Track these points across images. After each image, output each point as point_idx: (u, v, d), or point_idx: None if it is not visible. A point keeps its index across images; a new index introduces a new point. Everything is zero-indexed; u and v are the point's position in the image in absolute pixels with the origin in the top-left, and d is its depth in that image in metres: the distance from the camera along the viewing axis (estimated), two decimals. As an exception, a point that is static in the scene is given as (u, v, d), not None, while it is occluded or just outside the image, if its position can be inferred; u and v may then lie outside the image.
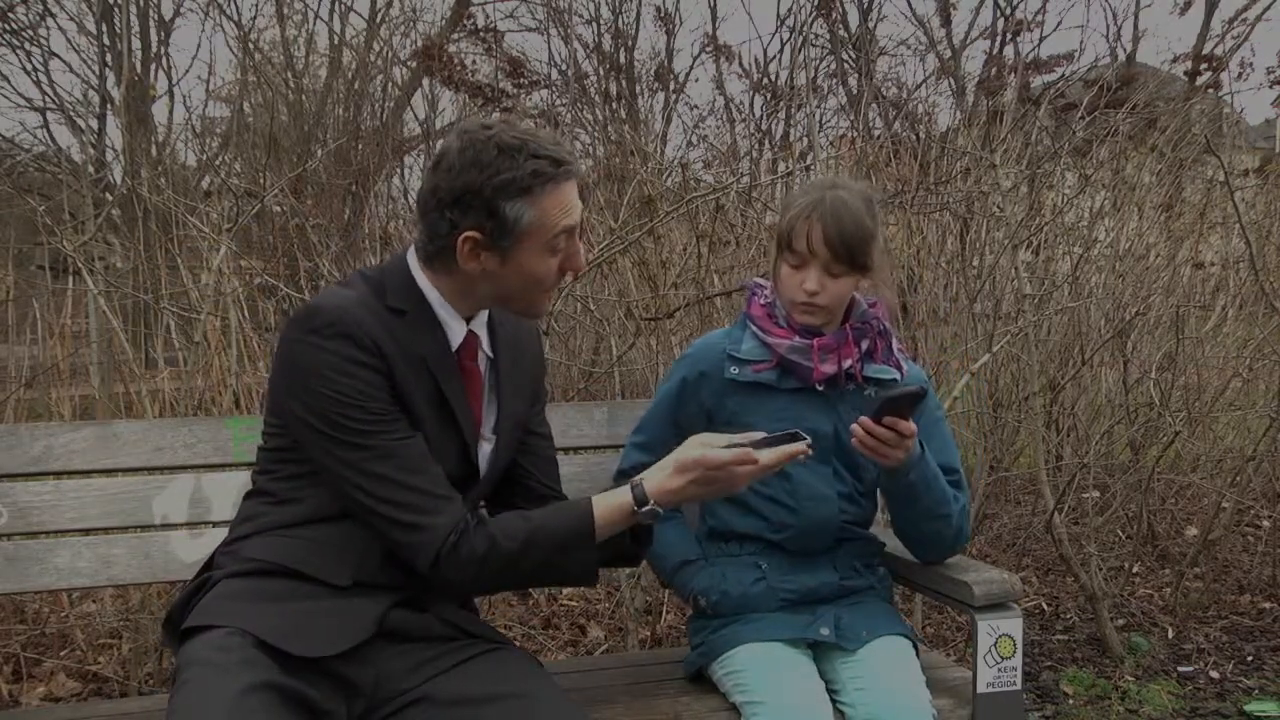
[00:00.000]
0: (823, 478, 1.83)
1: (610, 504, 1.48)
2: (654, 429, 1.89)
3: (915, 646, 1.83)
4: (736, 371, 1.83)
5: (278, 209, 4.74)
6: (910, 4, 20.35)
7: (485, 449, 1.58)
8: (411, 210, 4.60)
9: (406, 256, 1.53)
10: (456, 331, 1.52)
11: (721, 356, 1.85)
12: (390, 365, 1.44)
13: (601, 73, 10.95)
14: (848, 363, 1.80)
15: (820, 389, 1.81)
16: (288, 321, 1.48)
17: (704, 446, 1.46)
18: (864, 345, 1.82)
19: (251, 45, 8.97)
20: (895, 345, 1.87)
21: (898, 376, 1.85)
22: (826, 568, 1.84)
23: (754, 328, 1.85)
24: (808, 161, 5.02)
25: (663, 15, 11.82)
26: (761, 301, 1.86)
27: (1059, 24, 22.04)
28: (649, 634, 3.11)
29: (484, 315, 1.58)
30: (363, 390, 1.41)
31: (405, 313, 1.48)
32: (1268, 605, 3.63)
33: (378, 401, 1.42)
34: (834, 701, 1.70)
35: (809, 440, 1.49)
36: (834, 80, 12.04)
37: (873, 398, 1.83)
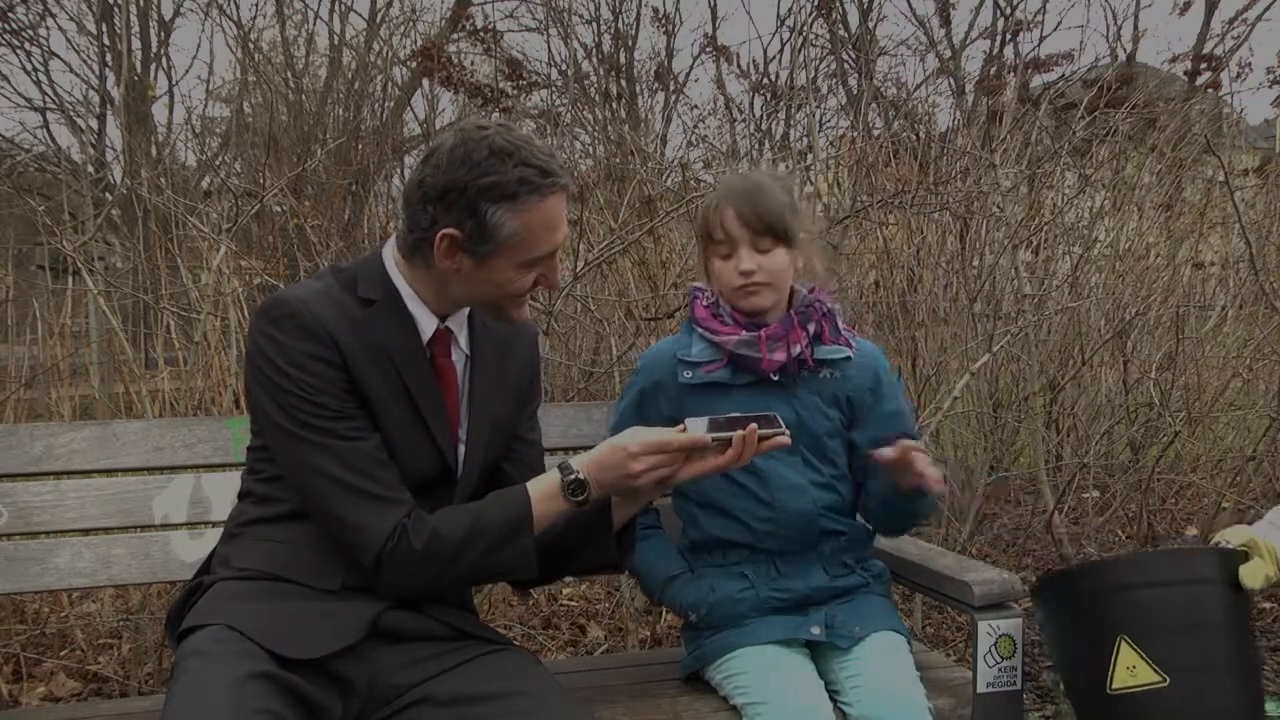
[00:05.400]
0: (793, 467, 1.81)
1: (542, 485, 1.48)
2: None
3: (909, 641, 1.83)
4: (690, 375, 1.82)
5: (277, 209, 4.74)
6: (910, 4, 20.32)
7: (461, 451, 1.56)
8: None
9: (383, 250, 1.53)
10: (427, 326, 1.51)
11: (673, 362, 1.84)
12: (347, 359, 1.43)
13: (601, 73, 10.96)
14: (797, 348, 1.80)
15: (775, 378, 1.81)
16: (254, 312, 1.48)
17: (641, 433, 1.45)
18: (811, 329, 1.82)
19: (251, 45, 8.97)
20: (841, 324, 1.87)
21: (849, 354, 1.84)
22: (816, 570, 1.82)
23: (700, 329, 1.84)
24: (807, 161, 5.02)
25: (661, 17, 11.84)
26: (704, 303, 1.86)
27: (1059, 24, 22.00)
28: (649, 634, 3.11)
29: (464, 313, 1.57)
30: (315, 385, 1.41)
31: (374, 302, 1.48)
32: (1268, 605, 3.63)
33: (331, 397, 1.42)
34: (834, 701, 1.69)
35: (785, 430, 1.47)
36: (834, 80, 12.06)
37: (829, 379, 1.83)
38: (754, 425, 1.45)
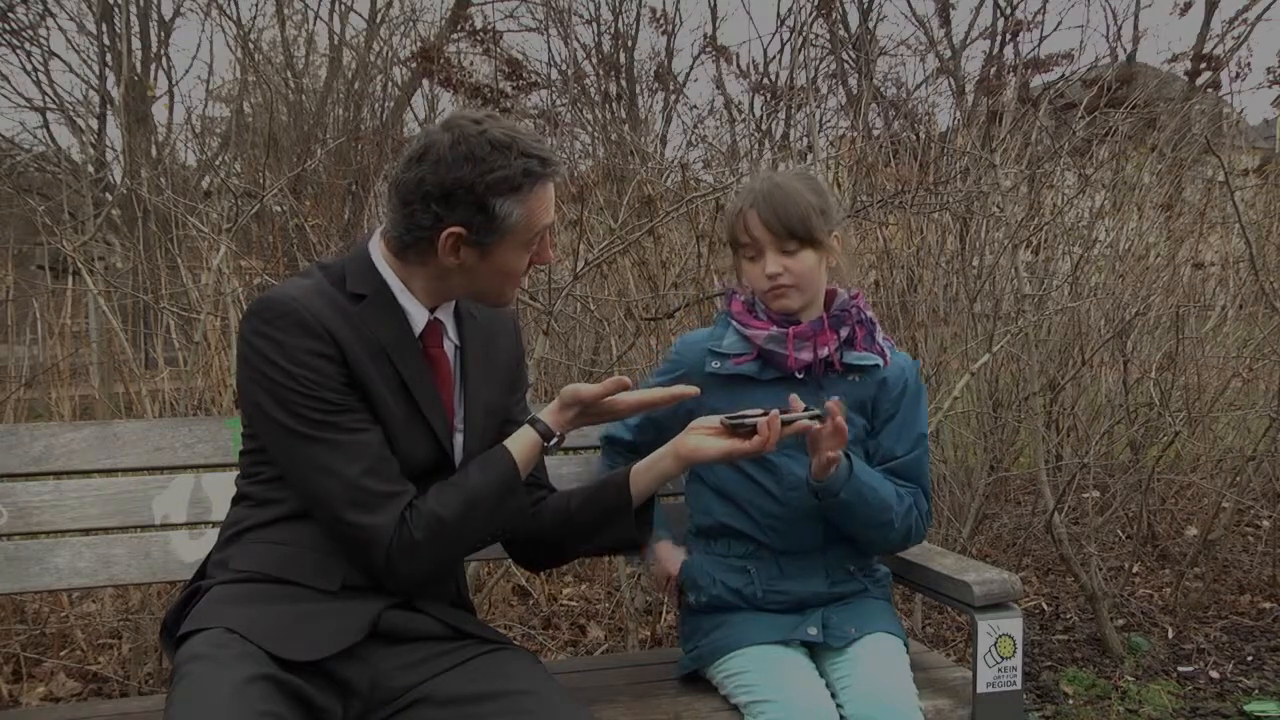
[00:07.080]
0: (807, 466, 1.79)
1: (522, 443, 1.53)
2: (635, 419, 1.90)
3: (906, 644, 1.82)
4: (718, 365, 1.84)
5: (277, 209, 4.74)
6: (910, 4, 20.33)
7: (458, 439, 1.58)
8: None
9: (368, 244, 1.53)
10: (419, 318, 1.53)
11: (703, 353, 1.86)
12: (344, 352, 1.44)
13: (601, 73, 10.95)
14: (825, 350, 1.80)
15: (800, 377, 1.81)
16: (244, 314, 1.48)
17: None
18: (843, 333, 1.83)
19: (251, 45, 8.97)
20: (879, 334, 1.87)
21: (880, 363, 1.84)
22: (818, 574, 1.82)
23: (735, 323, 1.86)
24: (807, 161, 5.02)
25: (660, 17, 11.84)
26: (741, 299, 1.88)
27: (1059, 24, 22.04)
28: (649, 634, 3.11)
29: (450, 303, 1.58)
30: (316, 380, 1.41)
31: (364, 297, 1.48)
32: (1268, 605, 3.63)
33: (332, 391, 1.42)
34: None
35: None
36: (834, 80, 12.05)
37: (857, 384, 1.83)
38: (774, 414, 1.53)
